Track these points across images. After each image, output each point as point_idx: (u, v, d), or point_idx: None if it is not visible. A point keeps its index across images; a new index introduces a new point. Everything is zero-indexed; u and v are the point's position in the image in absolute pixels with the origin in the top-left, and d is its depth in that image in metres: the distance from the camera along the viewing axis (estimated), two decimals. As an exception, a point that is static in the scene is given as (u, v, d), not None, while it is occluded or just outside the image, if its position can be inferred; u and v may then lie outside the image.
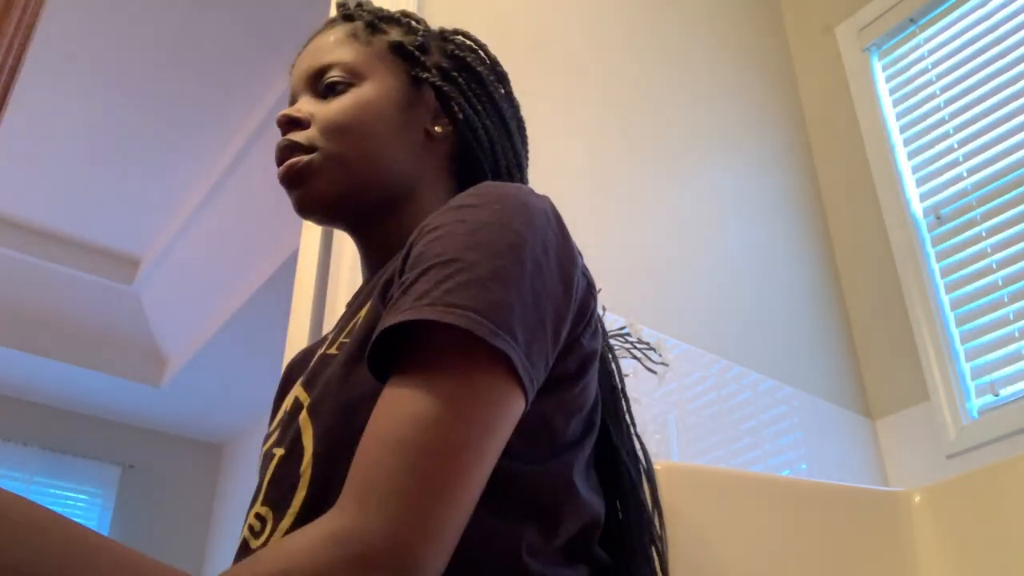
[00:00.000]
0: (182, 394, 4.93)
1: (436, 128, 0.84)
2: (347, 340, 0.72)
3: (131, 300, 4.67)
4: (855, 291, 2.32)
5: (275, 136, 0.84)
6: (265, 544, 0.65)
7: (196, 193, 4.08)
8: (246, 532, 0.69)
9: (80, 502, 4.95)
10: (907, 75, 2.36)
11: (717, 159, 2.22)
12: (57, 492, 4.88)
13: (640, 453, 0.81)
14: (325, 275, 1.53)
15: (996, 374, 1.98)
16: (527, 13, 1.97)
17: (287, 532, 0.63)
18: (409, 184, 0.82)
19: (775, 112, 2.50)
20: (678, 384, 1.74)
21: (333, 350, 0.73)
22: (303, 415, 0.69)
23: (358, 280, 1.45)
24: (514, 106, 0.91)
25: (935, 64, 2.30)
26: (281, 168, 0.80)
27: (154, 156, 3.94)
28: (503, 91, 0.89)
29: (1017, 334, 1.97)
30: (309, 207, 0.81)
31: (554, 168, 1.80)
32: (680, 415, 1.70)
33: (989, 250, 2.07)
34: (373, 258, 0.84)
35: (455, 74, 0.85)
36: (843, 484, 1.27)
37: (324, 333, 1.45)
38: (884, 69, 2.42)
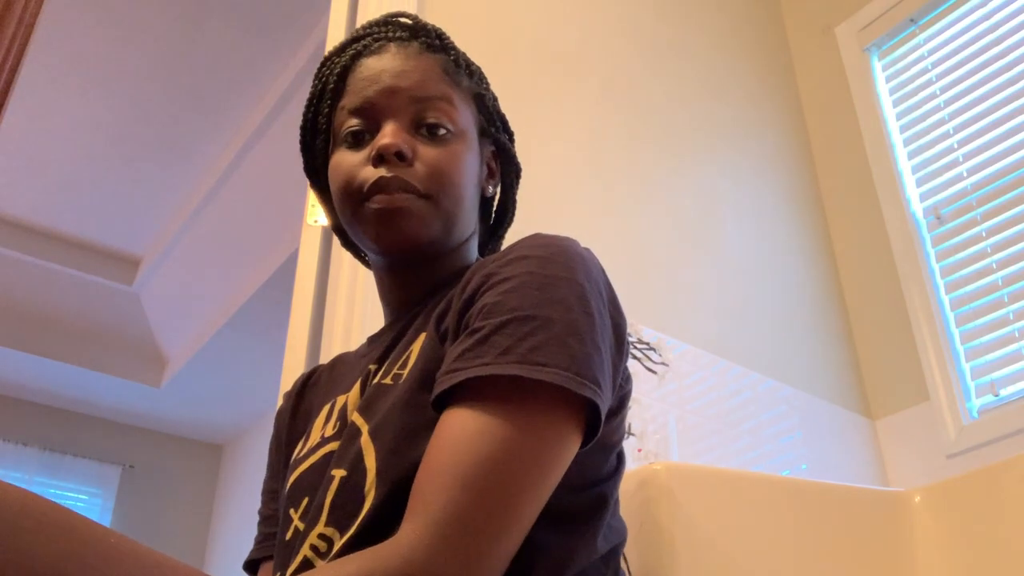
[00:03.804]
0: (182, 394, 4.93)
1: (490, 188, 0.90)
2: (402, 372, 0.75)
3: (131, 300, 4.67)
4: (855, 291, 2.32)
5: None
6: None
7: (196, 193, 4.08)
8: (308, 552, 0.71)
9: (80, 502, 4.94)
10: (907, 75, 2.36)
11: (717, 159, 2.22)
12: (57, 492, 4.88)
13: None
14: (325, 275, 1.53)
15: (996, 374, 1.98)
16: (527, 13, 1.97)
17: (345, 545, 0.67)
18: (467, 236, 0.86)
19: (775, 112, 2.50)
20: (678, 384, 1.74)
21: (388, 380, 0.75)
22: (364, 438, 0.72)
23: (358, 280, 1.45)
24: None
25: (935, 64, 2.30)
26: (384, 201, 0.77)
27: (154, 156, 3.94)
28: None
29: (1017, 334, 1.97)
30: (399, 246, 0.80)
31: (554, 168, 1.80)
32: (680, 415, 1.70)
33: (989, 250, 2.07)
34: (403, 293, 0.86)
35: (500, 126, 0.91)
36: (843, 484, 1.27)
37: (323, 336, 1.44)
38: (884, 69, 2.42)
